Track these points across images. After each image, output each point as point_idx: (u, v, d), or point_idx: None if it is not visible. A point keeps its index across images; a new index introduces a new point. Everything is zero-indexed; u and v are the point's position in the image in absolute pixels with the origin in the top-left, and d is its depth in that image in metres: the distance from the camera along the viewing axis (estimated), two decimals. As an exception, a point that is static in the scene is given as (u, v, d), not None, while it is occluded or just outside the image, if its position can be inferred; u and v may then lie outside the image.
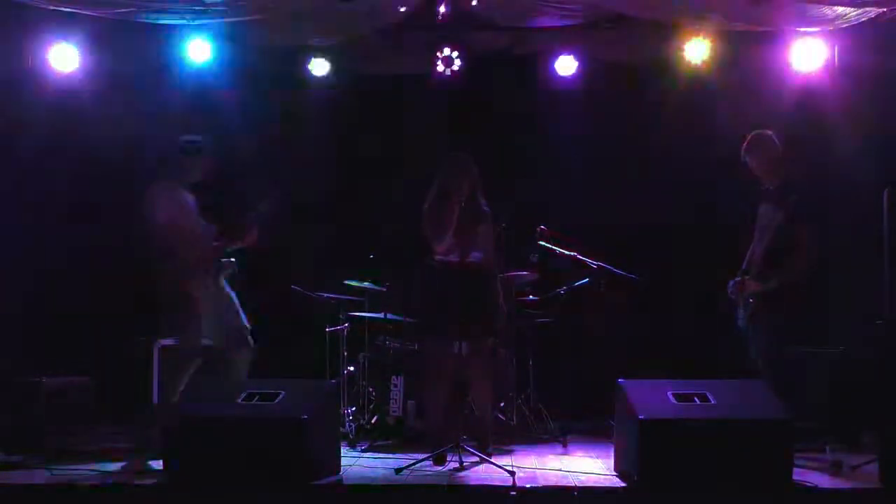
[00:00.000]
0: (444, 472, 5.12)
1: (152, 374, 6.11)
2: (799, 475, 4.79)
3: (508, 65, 7.56)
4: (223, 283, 5.85)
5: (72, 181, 7.33)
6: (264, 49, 7.24)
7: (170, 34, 6.77)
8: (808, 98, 6.90)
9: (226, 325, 5.76)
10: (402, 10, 6.59)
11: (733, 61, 6.97)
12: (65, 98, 7.01)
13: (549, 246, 6.44)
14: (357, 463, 5.46)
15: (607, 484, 4.86)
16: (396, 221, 7.05)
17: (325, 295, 6.68)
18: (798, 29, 6.65)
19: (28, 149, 7.01)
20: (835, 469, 5.08)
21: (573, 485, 4.77)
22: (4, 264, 6.82)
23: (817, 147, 6.85)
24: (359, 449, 5.96)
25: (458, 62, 7.09)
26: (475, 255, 5.74)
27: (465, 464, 5.19)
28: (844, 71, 6.79)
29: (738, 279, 5.65)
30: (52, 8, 6.19)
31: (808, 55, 6.78)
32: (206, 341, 6.05)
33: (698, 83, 7.07)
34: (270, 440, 4.73)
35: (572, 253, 6.47)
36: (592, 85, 7.52)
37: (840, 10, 6.12)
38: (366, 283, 6.70)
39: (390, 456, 5.67)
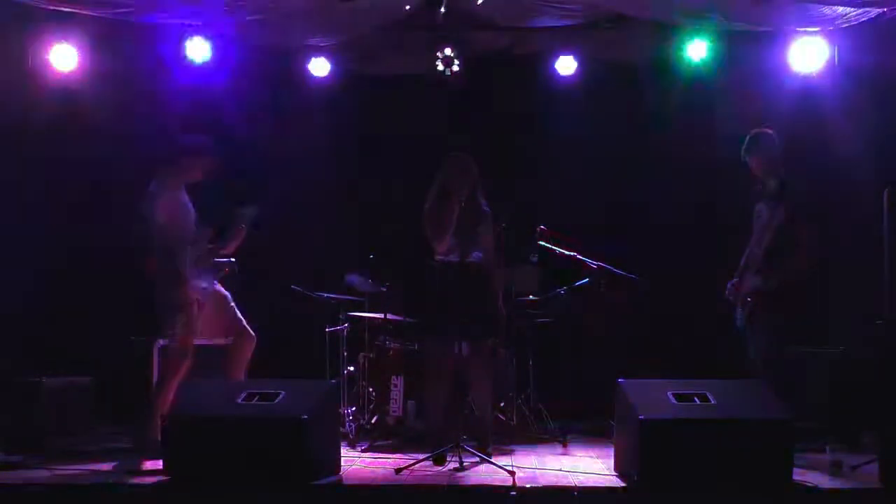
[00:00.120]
0: (444, 472, 5.11)
1: (152, 374, 6.11)
2: (799, 475, 4.79)
3: (508, 65, 7.56)
4: (216, 283, 5.89)
5: (71, 181, 7.33)
6: (264, 49, 7.24)
7: (170, 34, 6.77)
8: (808, 98, 6.90)
9: (226, 320, 5.86)
10: (407, 7, 6.58)
11: (733, 61, 6.97)
12: (65, 98, 7.01)
13: (549, 246, 6.44)
14: (357, 463, 5.46)
15: (607, 484, 4.86)
16: (396, 221, 7.05)
17: (325, 295, 6.68)
18: (798, 29, 6.66)
19: (28, 149, 7.02)
20: (835, 469, 5.07)
21: (573, 485, 4.77)
22: (4, 264, 6.82)
23: (817, 147, 6.86)
24: (359, 449, 5.96)
25: (458, 62, 7.09)
26: (475, 255, 5.74)
27: (465, 464, 5.19)
28: (844, 71, 6.79)
29: (735, 280, 5.65)
30: (52, 8, 6.20)
31: (808, 55, 6.78)
32: (205, 341, 6.08)
33: (698, 83, 7.07)
34: (270, 440, 4.72)
35: (572, 253, 6.47)
36: (592, 85, 7.53)
37: (840, 10, 6.13)
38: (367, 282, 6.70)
39: (390, 456, 5.67)
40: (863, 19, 6.22)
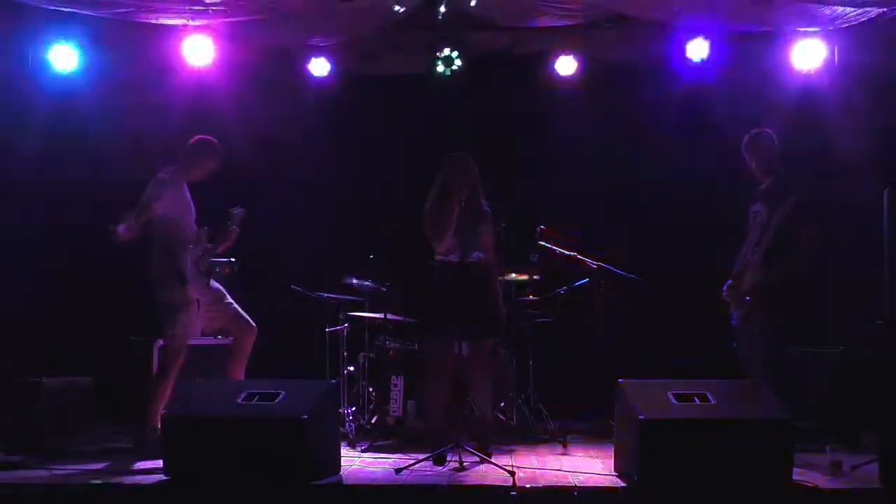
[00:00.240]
0: (444, 472, 5.11)
1: (152, 374, 6.11)
2: (799, 475, 4.79)
3: (508, 65, 7.55)
4: (212, 281, 5.91)
5: (72, 181, 7.33)
6: (264, 49, 7.24)
7: (170, 34, 6.77)
8: (808, 98, 6.90)
9: (225, 315, 5.87)
10: (400, 10, 6.58)
11: (733, 61, 6.97)
12: (65, 98, 7.01)
13: (549, 246, 6.45)
14: (357, 463, 5.46)
15: (607, 484, 4.86)
16: (396, 221, 7.06)
17: (325, 295, 6.68)
18: (798, 29, 6.65)
19: (28, 148, 7.02)
20: (835, 469, 5.07)
21: (573, 485, 4.77)
22: (4, 264, 6.82)
23: (817, 147, 6.86)
24: (359, 449, 5.96)
25: (458, 62, 7.09)
26: (475, 255, 5.74)
27: (465, 464, 5.19)
28: (844, 71, 6.79)
29: (731, 281, 5.66)
30: (52, 8, 6.20)
31: (808, 55, 6.78)
32: (205, 341, 6.09)
33: (698, 83, 7.07)
34: (270, 440, 4.72)
35: (572, 253, 6.47)
36: (592, 85, 7.52)
37: (840, 10, 6.12)
38: (366, 283, 6.70)
39: (390, 456, 5.67)
40: (862, 19, 6.22)
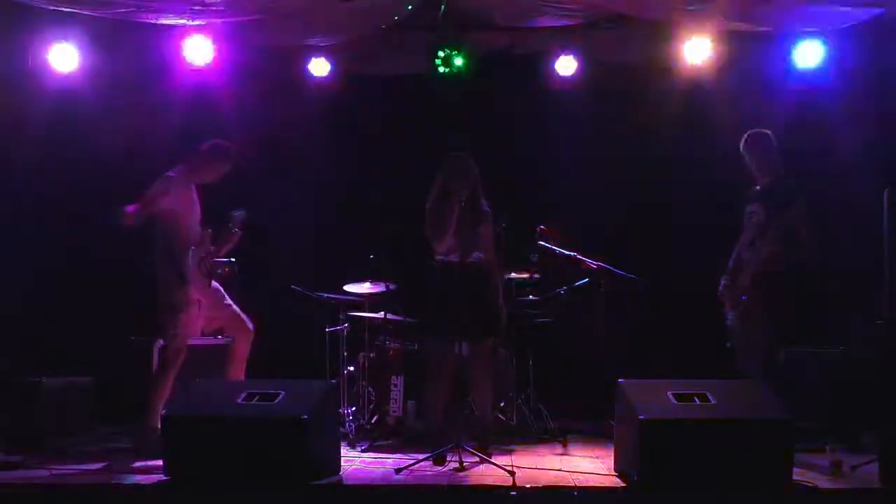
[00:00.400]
0: (444, 472, 5.11)
1: (152, 374, 6.11)
2: (799, 475, 4.79)
3: (508, 65, 7.55)
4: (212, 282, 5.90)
5: (72, 181, 7.34)
6: (264, 49, 7.24)
7: (170, 34, 6.77)
8: (808, 98, 6.90)
9: (223, 316, 5.88)
10: (395, 18, 6.60)
11: (733, 61, 6.97)
12: (65, 98, 7.01)
13: (549, 246, 6.45)
14: (357, 463, 5.46)
15: (607, 484, 4.86)
16: (396, 221, 7.05)
17: (325, 295, 6.68)
18: (798, 29, 6.65)
19: (28, 149, 7.02)
20: (835, 469, 5.07)
21: (573, 485, 4.77)
22: (4, 264, 6.82)
23: (817, 147, 6.86)
24: (359, 449, 5.96)
25: (458, 62, 7.09)
26: (476, 255, 5.74)
27: (465, 464, 5.18)
28: (844, 71, 6.79)
29: (725, 281, 5.65)
30: (52, 8, 6.20)
31: (808, 55, 6.78)
32: (205, 341, 6.08)
33: (698, 83, 7.07)
34: (270, 440, 4.72)
35: (572, 253, 6.47)
36: (592, 85, 7.52)
37: (840, 10, 6.12)
38: (365, 285, 6.70)
39: (390, 456, 5.67)
40: (862, 19, 6.22)
